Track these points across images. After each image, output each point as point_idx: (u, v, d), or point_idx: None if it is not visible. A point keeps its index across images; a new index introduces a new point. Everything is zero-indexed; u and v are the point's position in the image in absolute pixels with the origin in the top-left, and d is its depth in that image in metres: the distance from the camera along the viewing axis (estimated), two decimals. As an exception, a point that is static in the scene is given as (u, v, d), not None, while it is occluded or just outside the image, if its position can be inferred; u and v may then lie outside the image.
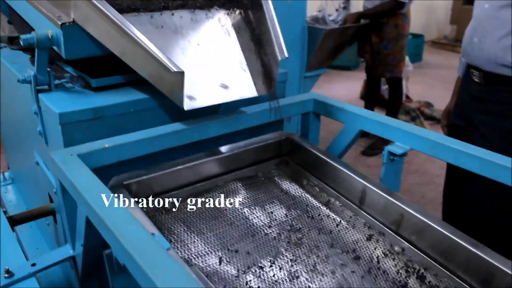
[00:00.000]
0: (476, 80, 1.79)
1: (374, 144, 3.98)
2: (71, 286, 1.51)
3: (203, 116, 1.28)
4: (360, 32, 3.58)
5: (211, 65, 1.24)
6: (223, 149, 1.36)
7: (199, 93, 1.15)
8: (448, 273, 1.07)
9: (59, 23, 1.15)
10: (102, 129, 1.19)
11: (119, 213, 0.82)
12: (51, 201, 1.39)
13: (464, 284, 1.04)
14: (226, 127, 1.29)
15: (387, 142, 4.18)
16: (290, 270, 1.07)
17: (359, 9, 3.71)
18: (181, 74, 1.04)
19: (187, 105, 1.11)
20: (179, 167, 1.26)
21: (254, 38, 1.30)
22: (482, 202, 1.86)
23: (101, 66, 1.35)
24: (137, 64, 1.16)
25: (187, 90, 1.11)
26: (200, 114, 1.27)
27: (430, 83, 6.00)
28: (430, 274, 1.08)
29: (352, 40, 3.68)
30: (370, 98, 4.10)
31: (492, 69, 1.70)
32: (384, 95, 4.35)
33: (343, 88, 5.48)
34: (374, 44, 3.60)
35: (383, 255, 1.14)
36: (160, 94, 1.21)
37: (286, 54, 1.22)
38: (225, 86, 1.19)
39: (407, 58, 4.78)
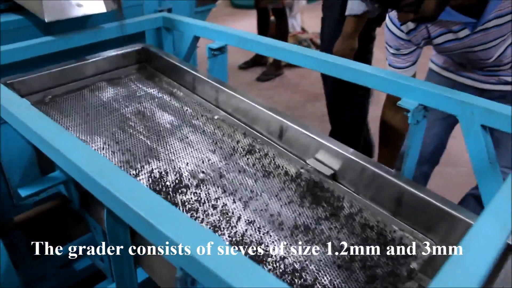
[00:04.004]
0: None
1: (267, 71, 4.46)
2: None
3: (70, 31, 1.68)
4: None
5: (67, -11, 1.62)
6: (91, 56, 1.76)
7: (58, 9, 1.54)
8: (251, 129, 1.54)
9: None
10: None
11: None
12: None
13: (266, 139, 1.51)
14: (87, 38, 1.69)
15: (278, 69, 4.77)
16: (137, 136, 1.51)
17: None
18: (38, -7, 1.43)
19: (48, 18, 1.49)
20: (54, 70, 1.65)
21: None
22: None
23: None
24: (7, -11, 1.53)
25: (48, 7, 1.50)
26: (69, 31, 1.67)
27: (328, 17, 6.49)
28: (238, 132, 1.56)
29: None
30: (261, 29, 4.55)
31: None
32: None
33: (247, 25, 5.88)
34: (257, -22, 4.02)
35: (210, 122, 1.60)
36: (33, 15, 1.58)
37: (124, -22, 1.63)
38: (79, 5, 1.58)
39: (299, -7, 5.24)
